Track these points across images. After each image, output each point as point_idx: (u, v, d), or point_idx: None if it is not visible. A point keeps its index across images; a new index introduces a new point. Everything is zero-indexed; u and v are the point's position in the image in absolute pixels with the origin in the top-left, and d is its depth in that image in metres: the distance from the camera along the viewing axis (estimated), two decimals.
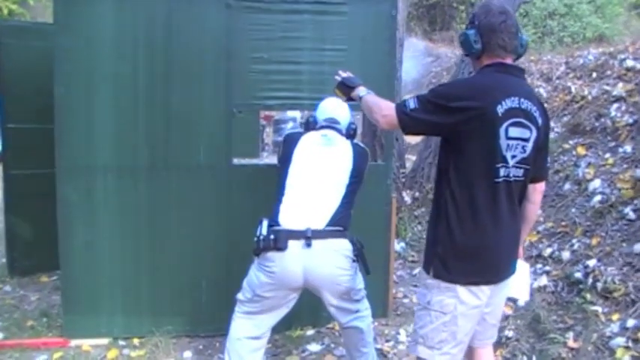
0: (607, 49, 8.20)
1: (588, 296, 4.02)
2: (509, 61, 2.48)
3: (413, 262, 5.79)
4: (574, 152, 5.66)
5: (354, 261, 3.16)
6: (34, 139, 5.06)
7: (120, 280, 4.12)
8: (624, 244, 4.26)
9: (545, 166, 2.70)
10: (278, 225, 3.08)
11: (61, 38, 3.92)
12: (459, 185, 2.38)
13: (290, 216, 3.10)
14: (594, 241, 4.46)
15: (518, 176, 2.42)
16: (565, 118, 6.38)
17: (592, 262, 4.25)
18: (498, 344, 3.17)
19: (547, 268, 4.61)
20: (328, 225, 3.08)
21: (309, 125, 3.51)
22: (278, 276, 3.03)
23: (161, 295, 4.17)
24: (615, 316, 3.78)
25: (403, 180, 7.06)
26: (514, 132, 2.35)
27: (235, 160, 4.28)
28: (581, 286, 4.17)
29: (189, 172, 4.12)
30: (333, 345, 4.15)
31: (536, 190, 2.64)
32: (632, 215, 4.43)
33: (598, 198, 4.82)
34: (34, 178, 5.15)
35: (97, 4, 3.94)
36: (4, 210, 5.47)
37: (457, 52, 13.97)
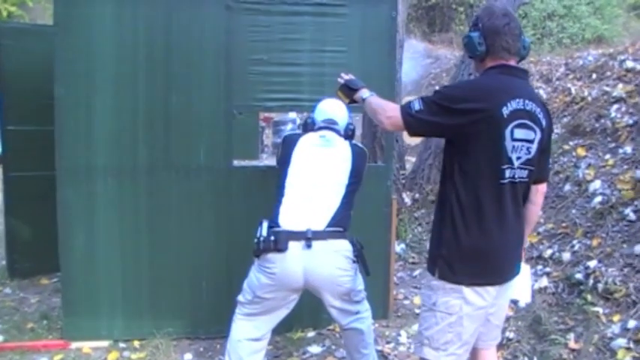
0: (607, 50, 8.21)
1: (589, 297, 4.01)
2: (512, 63, 2.49)
3: (413, 263, 5.78)
4: (574, 153, 5.65)
5: (354, 262, 3.16)
6: (34, 141, 5.06)
7: (120, 282, 4.11)
8: (625, 245, 4.26)
9: (547, 168, 2.71)
10: (278, 226, 3.08)
11: (61, 40, 3.92)
12: (464, 187, 2.38)
13: (290, 217, 3.10)
14: (595, 242, 4.46)
15: (522, 177, 2.42)
16: (565, 120, 6.38)
17: (593, 263, 4.25)
18: (499, 345, 3.17)
19: (547, 269, 4.60)
20: (328, 226, 3.09)
21: (308, 126, 3.51)
22: (278, 277, 3.03)
23: (161, 297, 4.16)
24: (616, 317, 3.78)
25: (403, 181, 7.06)
26: (519, 133, 2.35)
27: (235, 162, 4.28)
28: (581, 287, 4.16)
29: (189, 173, 4.12)
30: (333, 347, 4.15)
31: (538, 192, 2.65)
32: (632, 216, 4.42)
33: (598, 199, 4.81)
34: (34, 179, 5.14)
35: (97, 6, 3.94)
36: (4, 212, 5.47)
37: (456, 54, 13.99)
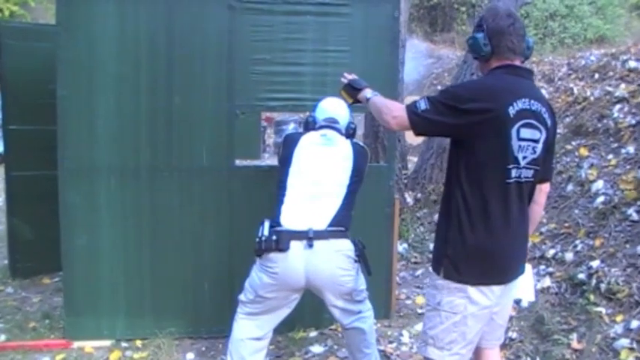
0: (609, 50, 8.20)
1: (592, 297, 4.00)
2: (518, 63, 2.49)
3: (415, 263, 5.78)
4: (577, 153, 5.65)
5: (355, 261, 3.16)
6: (36, 141, 5.06)
7: (122, 282, 4.11)
8: (628, 245, 4.25)
9: (551, 167, 2.71)
10: (280, 226, 3.08)
11: (63, 39, 3.92)
12: (470, 186, 2.38)
13: (292, 217, 3.10)
14: (597, 242, 4.45)
15: (528, 177, 2.43)
16: (567, 120, 6.37)
17: (595, 264, 4.24)
18: (502, 345, 3.16)
19: (550, 269, 4.59)
20: (330, 225, 3.09)
21: (309, 125, 3.51)
22: (280, 277, 3.03)
23: (163, 296, 4.16)
24: (619, 318, 3.77)
25: (405, 181, 7.06)
26: (525, 133, 2.36)
27: (237, 162, 4.28)
28: (584, 287, 4.15)
29: (192, 173, 4.11)
30: (336, 346, 4.14)
31: (542, 191, 2.65)
32: (635, 216, 4.41)
33: (601, 199, 4.80)
34: (36, 179, 5.13)
35: (99, 6, 3.94)
36: (6, 211, 5.47)
37: (458, 54, 14.01)
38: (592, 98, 6.29)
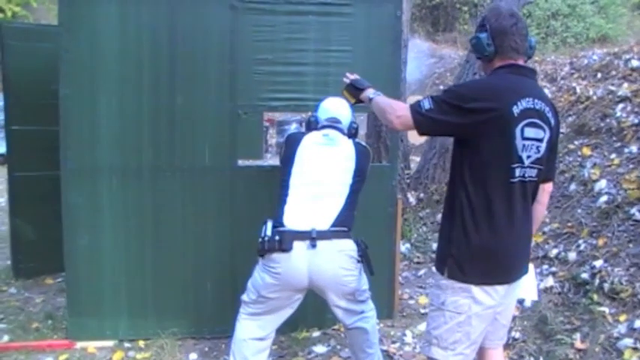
0: (611, 49, 8.19)
1: (595, 297, 3.99)
2: (521, 62, 2.49)
3: (418, 263, 5.77)
4: (579, 153, 5.64)
5: (358, 262, 3.15)
6: (38, 141, 5.07)
7: (125, 282, 4.11)
8: (631, 245, 4.24)
9: (554, 167, 2.71)
10: (282, 226, 3.07)
11: (65, 40, 3.92)
12: (474, 186, 2.38)
13: (294, 217, 3.10)
14: (601, 242, 4.44)
15: (532, 176, 2.42)
16: (570, 119, 6.36)
17: (598, 263, 4.23)
18: (505, 345, 3.16)
19: (553, 269, 4.58)
20: (333, 225, 3.08)
21: (311, 125, 3.49)
22: (283, 277, 3.03)
23: (166, 296, 4.16)
24: (622, 317, 3.76)
25: (408, 181, 7.05)
26: (529, 132, 2.36)
27: (239, 162, 4.28)
28: (587, 287, 4.14)
29: (194, 173, 4.11)
30: (339, 346, 4.14)
31: (544, 191, 2.65)
32: (638, 216, 4.40)
33: (604, 198, 4.79)
34: (39, 180, 5.14)
35: (102, 6, 3.94)
36: (9, 212, 5.47)
37: (460, 53, 14.00)
38: (595, 97, 6.28)
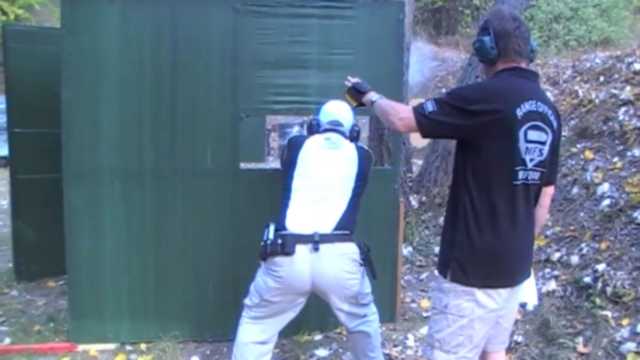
0: (614, 52, 8.18)
1: (598, 301, 3.99)
2: (523, 65, 2.49)
3: (420, 266, 5.76)
4: (582, 156, 5.63)
5: (361, 265, 3.15)
6: (40, 144, 5.07)
7: (126, 285, 4.11)
8: (633, 249, 4.24)
9: (556, 170, 2.71)
10: (285, 229, 3.07)
11: (68, 42, 3.93)
12: (477, 188, 2.38)
13: (297, 220, 3.09)
14: (603, 246, 4.44)
15: (534, 179, 2.42)
16: (572, 122, 6.36)
17: (601, 267, 4.22)
18: (507, 349, 3.15)
19: (556, 272, 4.58)
20: (335, 229, 3.08)
21: (312, 128, 3.49)
22: (285, 280, 3.02)
23: (168, 299, 4.16)
24: (625, 321, 3.76)
25: (410, 184, 7.04)
26: (533, 135, 2.36)
27: (241, 165, 4.27)
28: (590, 290, 4.14)
29: (196, 176, 4.11)
30: (341, 350, 4.13)
31: (546, 194, 2.65)
32: None
33: (606, 202, 4.79)
34: (41, 182, 5.13)
35: (104, 9, 3.95)
36: (11, 214, 5.47)
37: (463, 56, 14.00)
38: (597, 101, 6.27)
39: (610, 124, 5.73)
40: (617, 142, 5.48)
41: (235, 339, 3.25)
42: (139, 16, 3.99)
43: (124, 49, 3.99)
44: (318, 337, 4.30)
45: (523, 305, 4.12)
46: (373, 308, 3.31)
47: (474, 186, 2.38)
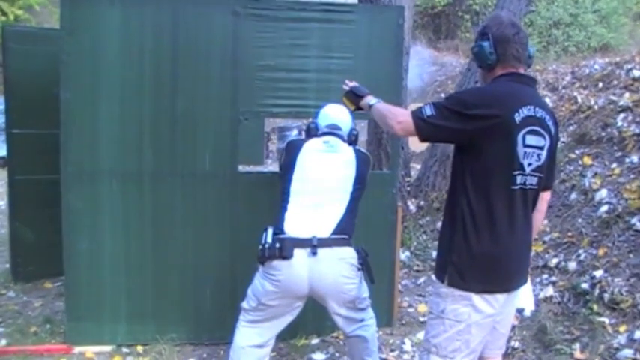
0: (613, 58, 8.20)
1: (595, 307, 3.99)
2: (522, 71, 2.50)
3: (418, 271, 5.76)
4: (580, 162, 5.63)
5: (359, 269, 3.15)
6: (39, 145, 5.07)
7: (124, 287, 4.10)
8: (631, 255, 4.24)
9: (553, 176, 2.72)
10: (283, 233, 3.07)
11: (67, 43, 3.93)
12: (475, 192, 2.38)
13: (295, 224, 3.10)
14: (601, 252, 4.43)
15: (532, 184, 2.43)
16: (571, 128, 6.37)
17: (598, 273, 4.22)
18: (504, 355, 3.14)
19: (553, 278, 4.58)
20: (333, 233, 3.08)
21: (311, 132, 3.49)
22: (283, 284, 3.02)
23: (165, 302, 4.15)
24: (622, 328, 3.75)
25: (408, 189, 7.04)
26: (531, 140, 2.36)
27: (240, 168, 4.27)
28: (587, 296, 4.14)
29: (195, 178, 4.11)
30: (337, 354, 4.13)
31: (543, 199, 2.65)
32: (638, 226, 4.40)
33: (604, 208, 4.79)
34: (39, 183, 5.12)
35: (104, 10, 3.95)
36: (9, 215, 5.46)
37: (462, 61, 14.01)
38: (596, 107, 6.28)
39: (608, 130, 5.73)
40: (615, 148, 5.48)
41: (232, 342, 3.25)
42: (139, 18, 3.99)
43: (124, 51, 3.99)
44: (315, 340, 4.29)
45: (520, 311, 4.13)
46: (371, 313, 3.31)
47: (472, 190, 2.39)
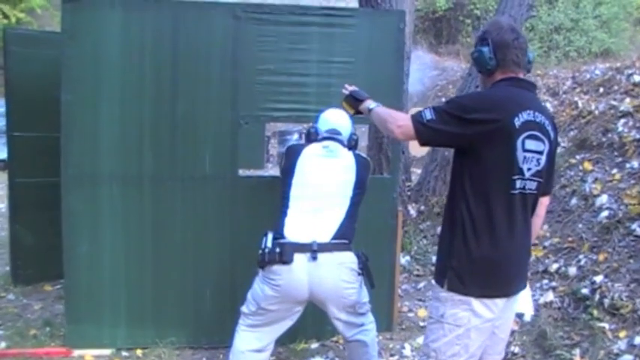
0: (614, 64, 8.20)
1: (595, 313, 3.98)
2: (521, 75, 2.51)
3: (418, 275, 5.75)
4: (581, 167, 5.63)
5: (359, 274, 3.15)
6: (39, 148, 5.07)
7: (123, 291, 4.10)
8: (631, 261, 4.23)
9: (552, 181, 2.72)
10: (283, 238, 3.07)
11: (68, 46, 3.93)
12: (474, 197, 2.38)
13: (295, 229, 3.10)
14: (601, 257, 4.43)
15: (532, 189, 2.43)
16: (572, 133, 6.36)
17: (599, 278, 4.22)
18: None
19: (553, 283, 4.57)
20: (333, 238, 3.08)
21: (311, 136, 3.48)
22: (283, 289, 3.02)
23: (165, 305, 4.15)
24: (622, 333, 3.75)
25: (408, 193, 7.04)
26: (530, 145, 2.36)
27: (240, 172, 4.27)
28: (587, 302, 4.13)
29: (195, 182, 4.11)
30: (337, 358, 4.12)
31: (542, 204, 2.65)
32: (639, 231, 4.39)
33: (605, 213, 4.78)
34: (40, 186, 5.12)
35: (105, 14, 3.95)
36: (9, 218, 5.46)
37: (463, 66, 14.02)
38: (596, 112, 6.27)
39: (609, 135, 5.73)
40: (616, 153, 5.47)
41: (232, 346, 3.25)
42: (139, 21, 4.00)
43: (125, 55, 4.00)
44: (314, 345, 4.29)
45: (520, 316, 4.12)
46: (371, 317, 3.31)
47: (472, 194, 2.39)
